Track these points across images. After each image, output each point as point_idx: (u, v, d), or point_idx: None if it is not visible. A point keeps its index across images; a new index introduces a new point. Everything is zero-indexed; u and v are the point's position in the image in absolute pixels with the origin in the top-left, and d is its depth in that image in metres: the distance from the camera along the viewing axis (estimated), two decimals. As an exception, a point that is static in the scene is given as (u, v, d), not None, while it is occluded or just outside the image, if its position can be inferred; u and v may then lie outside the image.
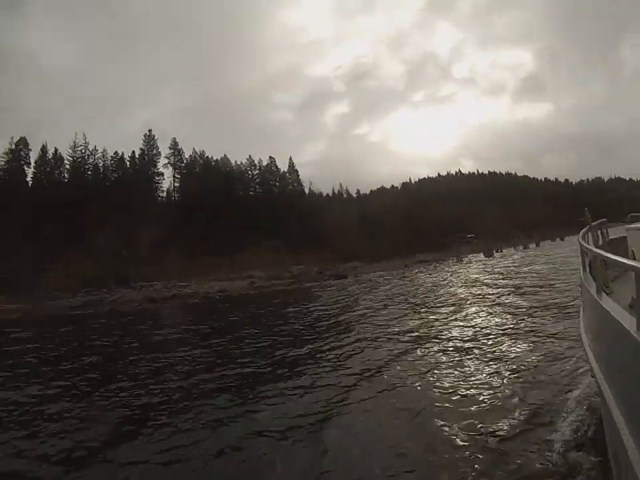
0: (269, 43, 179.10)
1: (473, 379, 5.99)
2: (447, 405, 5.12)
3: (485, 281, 19.18)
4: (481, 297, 14.08)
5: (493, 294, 14.27)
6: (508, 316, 10.24)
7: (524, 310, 10.70)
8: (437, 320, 10.73)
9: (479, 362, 6.71)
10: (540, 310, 10.41)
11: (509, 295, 13.79)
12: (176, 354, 9.55)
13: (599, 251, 3.10)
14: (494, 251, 52.91)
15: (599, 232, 5.99)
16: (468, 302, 13.24)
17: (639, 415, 1.74)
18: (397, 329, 10.09)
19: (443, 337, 8.84)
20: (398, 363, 7.11)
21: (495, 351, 7.23)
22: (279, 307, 18.12)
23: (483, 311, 11.44)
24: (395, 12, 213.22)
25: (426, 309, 12.81)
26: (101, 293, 32.62)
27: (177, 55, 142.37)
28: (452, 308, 12.31)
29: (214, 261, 40.78)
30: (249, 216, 52.07)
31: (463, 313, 11.33)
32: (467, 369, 6.47)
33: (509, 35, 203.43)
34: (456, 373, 6.31)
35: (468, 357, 7.07)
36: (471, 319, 10.47)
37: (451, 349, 7.71)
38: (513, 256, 41.63)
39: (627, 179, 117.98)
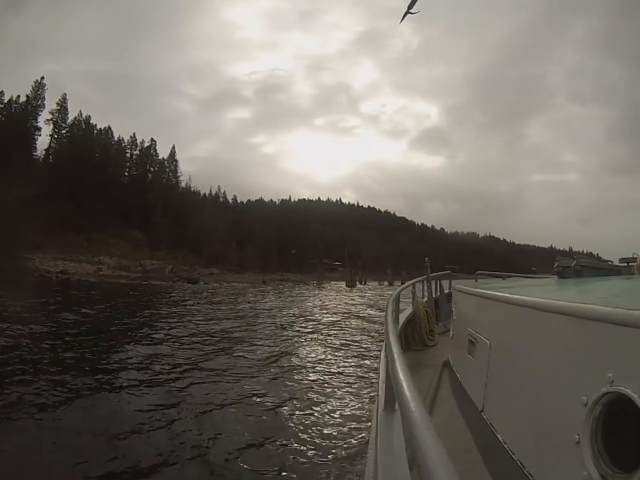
0: (193, 30, 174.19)
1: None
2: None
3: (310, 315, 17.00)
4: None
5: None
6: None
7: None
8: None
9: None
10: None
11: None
12: None
13: (389, 313, 2.33)
14: (357, 282, 56.06)
15: (439, 283, 6.24)
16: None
17: None
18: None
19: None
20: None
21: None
22: (83, 301, 17.00)
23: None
24: (326, 36, 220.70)
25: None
26: None
27: (99, 17, 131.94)
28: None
29: (71, 238, 41.01)
30: (118, 198, 51.06)
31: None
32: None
33: (425, 86, 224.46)
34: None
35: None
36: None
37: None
38: (371, 291, 42.46)
39: (501, 238, 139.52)
